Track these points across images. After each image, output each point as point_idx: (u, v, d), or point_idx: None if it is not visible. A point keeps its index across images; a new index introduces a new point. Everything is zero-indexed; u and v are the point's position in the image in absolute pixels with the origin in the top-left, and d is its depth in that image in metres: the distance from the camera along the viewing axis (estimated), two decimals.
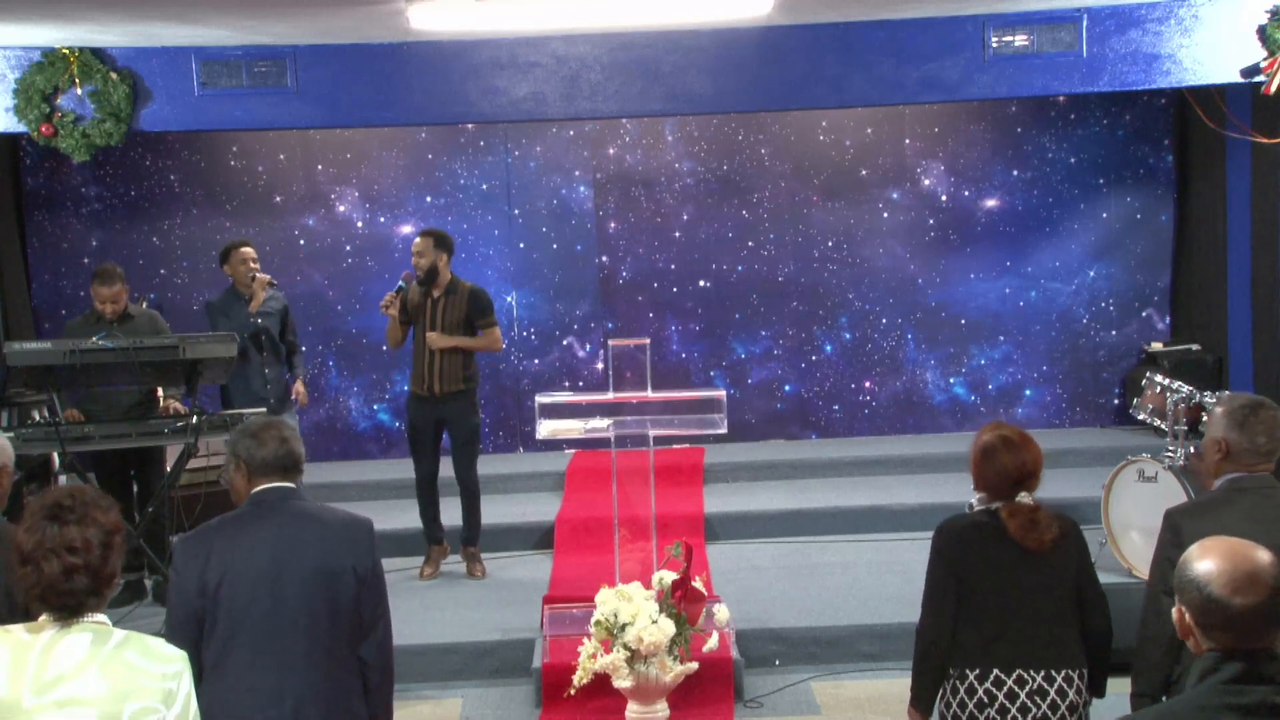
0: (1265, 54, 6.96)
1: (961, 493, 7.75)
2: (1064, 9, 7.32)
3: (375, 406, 9.43)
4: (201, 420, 6.15)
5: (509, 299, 9.33)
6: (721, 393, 5.94)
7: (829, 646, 5.98)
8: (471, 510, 7.01)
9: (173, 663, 2.52)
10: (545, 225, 9.36)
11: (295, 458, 3.39)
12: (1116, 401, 9.39)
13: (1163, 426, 6.93)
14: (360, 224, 9.32)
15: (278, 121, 7.76)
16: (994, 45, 7.43)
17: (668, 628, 5.12)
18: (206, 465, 7.11)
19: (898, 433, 9.44)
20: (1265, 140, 7.78)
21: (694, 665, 5.23)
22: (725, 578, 6.80)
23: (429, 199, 9.33)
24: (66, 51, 7.20)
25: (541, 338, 9.40)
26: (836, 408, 9.50)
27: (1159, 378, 7.08)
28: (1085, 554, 3.64)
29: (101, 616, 2.51)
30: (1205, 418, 6.72)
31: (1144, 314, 9.40)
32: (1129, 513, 6.56)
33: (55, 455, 6.90)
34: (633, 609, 5.15)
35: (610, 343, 6.11)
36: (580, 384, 9.34)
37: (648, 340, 6.09)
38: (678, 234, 9.39)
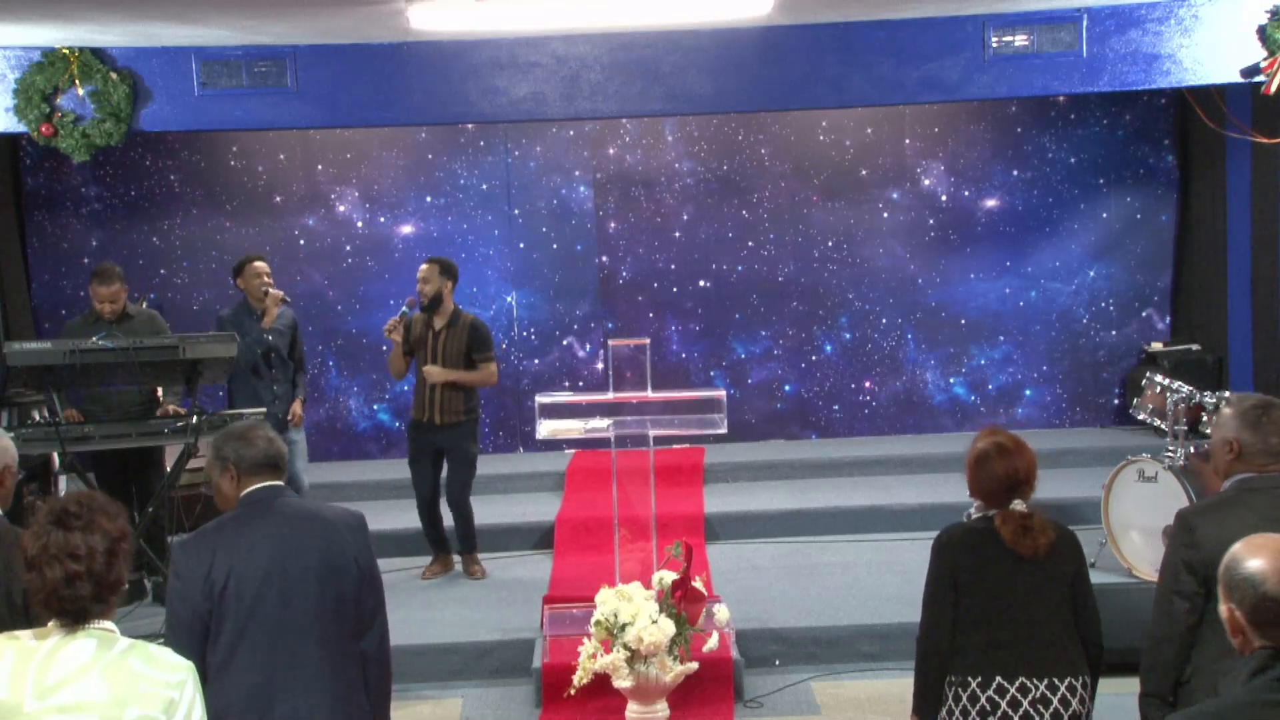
0: (1265, 54, 6.96)
1: (961, 493, 7.68)
2: (1064, 9, 7.31)
3: (375, 406, 9.43)
4: (201, 420, 6.15)
5: (509, 299, 9.33)
6: (721, 393, 5.94)
7: (829, 646, 5.98)
8: (465, 531, 7.05)
9: (177, 672, 2.51)
10: (545, 225, 9.36)
11: (282, 455, 3.41)
12: (1116, 401, 9.39)
13: (1163, 426, 6.93)
14: (360, 224, 9.32)
15: (278, 121, 7.76)
16: (994, 45, 7.43)
17: (668, 628, 5.12)
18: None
19: (898, 433, 9.44)
20: (1265, 140, 7.78)
21: (694, 665, 5.23)
22: (725, 578, 6.80)
23: (429, 199, 9.33)
24: (66, 51, 7.20)
25: (541, 338, 9.40)
26: (836, 408, 9.50)
27: (1159, 378, 7.08)
28: (1082, 563, 3.64)
29: (108, 624, 2.51)
30: (1205, 418, 6.72)
31: (1144, 314, 9.40)
32: (1129, 513, 6.55)
33: (55, 455, 6.90)
34: (633, 609, 5.15)
35: (610, 343, 6.11)
36: (580, 384, 9.34)
37: (648, 340, 6.09)
38: (678, 234, 9.39)
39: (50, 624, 2.48)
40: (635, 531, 6.06)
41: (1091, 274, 9.36)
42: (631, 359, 5.98)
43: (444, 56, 7.48)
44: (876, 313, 9.41)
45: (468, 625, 6.22)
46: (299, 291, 9.01)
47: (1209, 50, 7.36)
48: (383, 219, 9.34)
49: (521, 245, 9.36)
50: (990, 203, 9.38)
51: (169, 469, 6.73)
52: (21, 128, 7.30)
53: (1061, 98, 9.01)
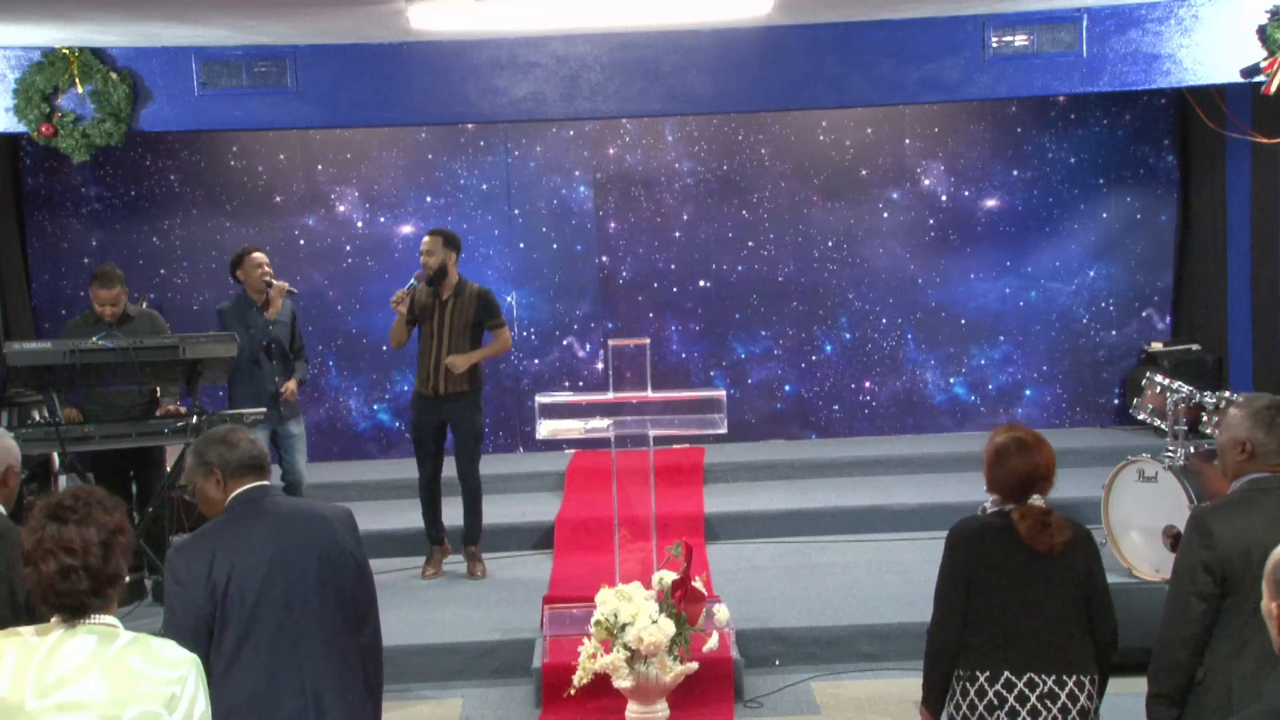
0: (1265, 54, 6.96)
1: (961, 493, 7.80)
2: (1064, 9, 7.32)
3: (375, 406, 9.43)
4: (201, 420, 6.15)
5: (509, 299, 9.32)
6: (721, 393, 5.94)
7: (829, 646, 5.97)
8: (473, 510, 7.01)
9: (178, 667, 2.49)
10: (545, 225, 9.36)
11: (264, 457, 3.42)
12: (1116, 401, 9.39)
13: (1163, 426, 6.93)
14: (360, 224, 9.32)
15: (278, 121, 7.77)
16: (994, 45, 7.43)
17: (668, 628, 5.12)
18: None
19: (898, 433, 9.44)
20: (1265, 140, 7.78)
21: (694, 665, 5.23)
22: (725, 578, 6.79)
23: (429, 199, 9.33)
24: (66, 51, 7.21)
25: (541, 338, 9.40)
26: (836, 408, 9.50)
27: (1159, 378, 7.07)
28: (1097, 562, 3.62)
29: (110, 618, 2.49)
30: (1205, 418, 6.72)
31: (1144, 314, 9.40)
32: (1129, 513, 6.55)
33: (55, 455, 6.90)
34: (633, 609, 5.15)
35: (610, 343, 6.11)
36: (580, 384, 9.34)
37: (648, 340, 6.08)
38: (678, 234, 9.39)
39: (52, 620, 2.47)
40: (635, 531, 6.06)
41: (1091, 274, 9.36)
42: (631, 359, 5.98)
43: (444, 56, 7.48)
44: (876, 313, 9.41)
45: (468, 625, 6.22)
46: (299, 291, 8.99)
47: (1209, 50, 7.36)
48: (383, 219, 9.34)
49: (521, 245, 9.36)
50: (990, 203, 9.38)
51: (169, 469, 6.73)
52: (21, 128, 7.31)
53: (1061, 98, 9.00)
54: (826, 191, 9.37)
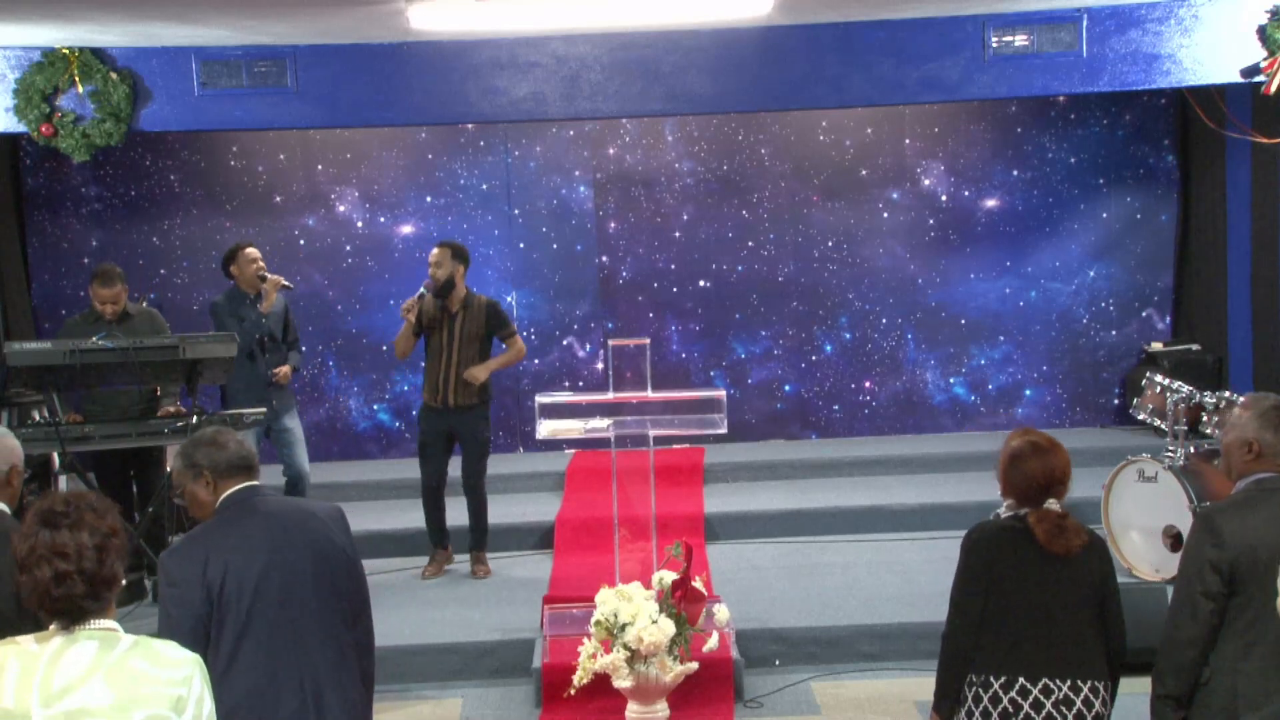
0: (1265, 54, 6.96)
1: (961, 493, 7.81)
2: (1064, 9, 7.32)
3: (375, 406, 9.43)
4: (201, 420, 6.15)
5: (509, 299, 9.32)
6: (721, 393, 5.94)
7: (829, 646, 5.97)
8: (478, 518, 7.05)
9: (182, 667, 2.49)
10: (545, 225, 9.36)
11: (253, 457, 3.42)
12: (1116, 401, 9.39)
13: (1163, 426, 6.93)
14: (360, 224, 9.32)
15: (278, 121, 7.77)
16: (994, 45, 7.43)
17: (668, 628, 5.12)
18: None
19: (898, 433, 9.44)
20: (1265, 140, 7.78)
21: (694, 665, 5.23)
22: (725, 578, 6.79)
23: (429, 199, 9.33)
24: (66, 51, 7.21)
25: (541, 338, 9.40)
26: (836, 408, 9.50)
27: (1159, 378, 7.08)
28: (1110, 568, 3.61)
29: (109, 622, 2.48)
30: (1205, 418, 6.72)
31: (1144, 314, 9.40)
32: (1129, 513, 6.56)
33: (55, 455, 6.90)
34: (633, 609, 5.15)
35: (610, 343, 6.10)
36: (580, 384, 9.34)
37: (648, 340, 6.08)
38: (678, 234, 9.39)
39: (50, 627, 2.46)
40: (635, 531, 6.06)
41: (1091, 274, 9.36)
42: (631, 359, 5.97)
43: (444, 56, 7.48)
44: (876, 313, 9.41)
45: (468, 625, 6.22)
46: (299, 291, 9.00)
47: (1209, 50, 7.36)
48: (383, 219, 9.34)
49: (521, 245, 9.36)
50: (990, 203, 9.38)
51: (169, 469, 6.73)
52: (21, 128, 7.31)
53: (1061, 98, 9.00)
54: (826, 191, 9.37)
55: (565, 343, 9.43)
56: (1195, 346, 8.99)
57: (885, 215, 9.37)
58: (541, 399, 5.97)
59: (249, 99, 7.48)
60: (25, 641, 2.45)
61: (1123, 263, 9.34)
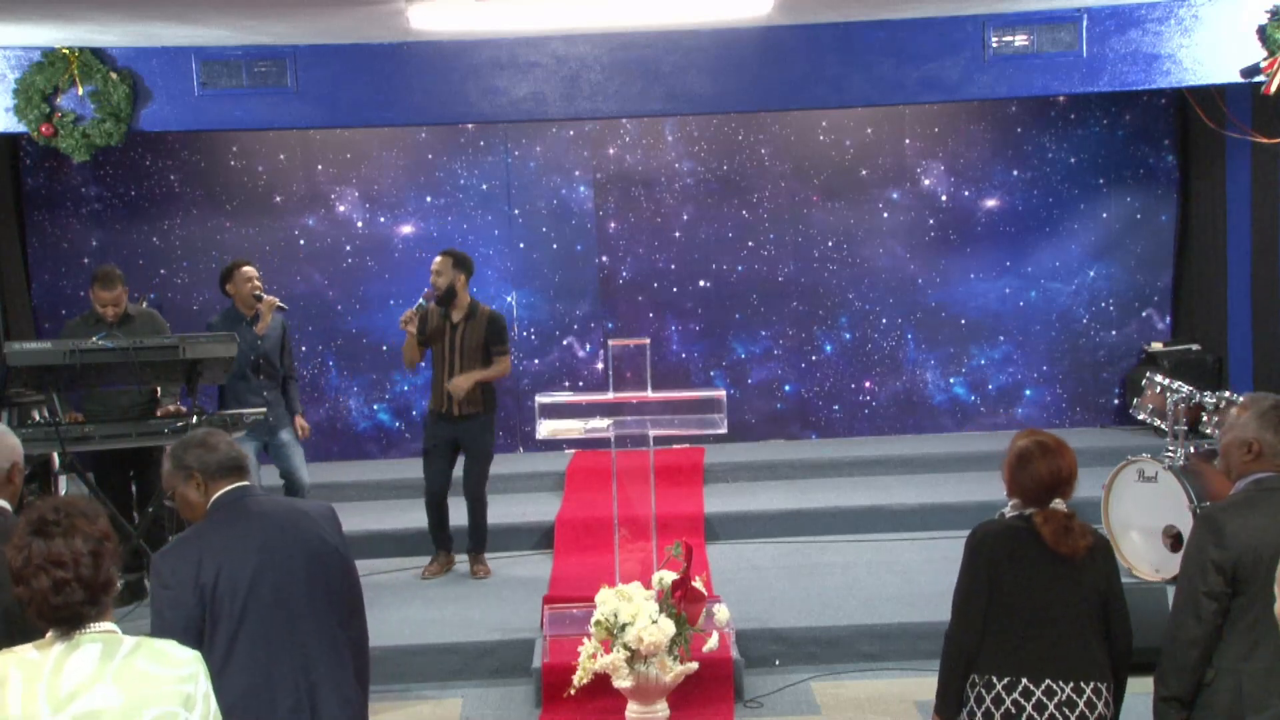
0: (1265, 54, 6.96)
1: (961, 493, 7.81)
2: (1064, 9, 7.32)
3: (375, 406, 9.43)
4: (202, 420, 6.14)
5: (509, 299, 9.33)
6: (721, 393, 5.94)
7: (829, 646, 5.97)
8: (478, 524, 7.05)
9: (186, 665, 2.49)
10: (545, 225, 9.36)
11: (243, 458, 3.41)
12: (1116, 401, 9.39)
13: (1163, 426, 6.93)
14: (360, 224, 9.32)
15: (278, 121, 7.76)
16: (994, 45, 7.43)
17: (668, 628, 5.12)
18: None
19: (898, 433, 9.44)
20: (1265, 140, 7.78)
21: (694, 665, 5.23)
22: (725, 578, 6.79)
23: (429, 199, 9.33)
24: (66, 51, 7.21)
25: (541, 338, 9.40)
26: (836, 408, 9.50)
27: (1159, 378, 7.08)
28: (1115, 570, 3.60)
29: (108, 624, 2.47)
30: (1205, 418, 6.72)
31: (1144, 314, 9.40)
32: (1129, 513, 6.56)
33: (55, 455, 6.90)
34: (633, 609, 5.15)
35: (610, 343, 6.10)
36: (580, 384, 9.34)
37: (648, 340, 6.08)
38: (678, 234, 9.39)
39: (49, 634, 2.45)
40: (635, 531, 6.06)
41: (1091, 274, 9.36)
42: (631, 359, 5.97)
43: (444, 56, 7.48)
44: (876, 313, 9.41)
45: (468, 625, 6.22)
46: (299, 291, 9.02)
47: (1209, 50, 7.36)
48: (383, 219, 9.34)
49: (521, 245, 9.36)
50: (990, 203, 9.38)
51: (166, 477, 6.72)
52: (21, 128, 7.31)
53: (1061, 98, 9.00)
54: (826, 191, 9.37)
55: (565, 343, 9.43)
56: (1195, 346, 8.99)
57: (885, 215, 9.38)
58: (541, 399, 5.97)
59: (249, 99, 7.48)
60: (24, 650, 2.44)
61: (1123, 263, 9.34)
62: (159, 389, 6.94)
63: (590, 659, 5.18)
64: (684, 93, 7.56)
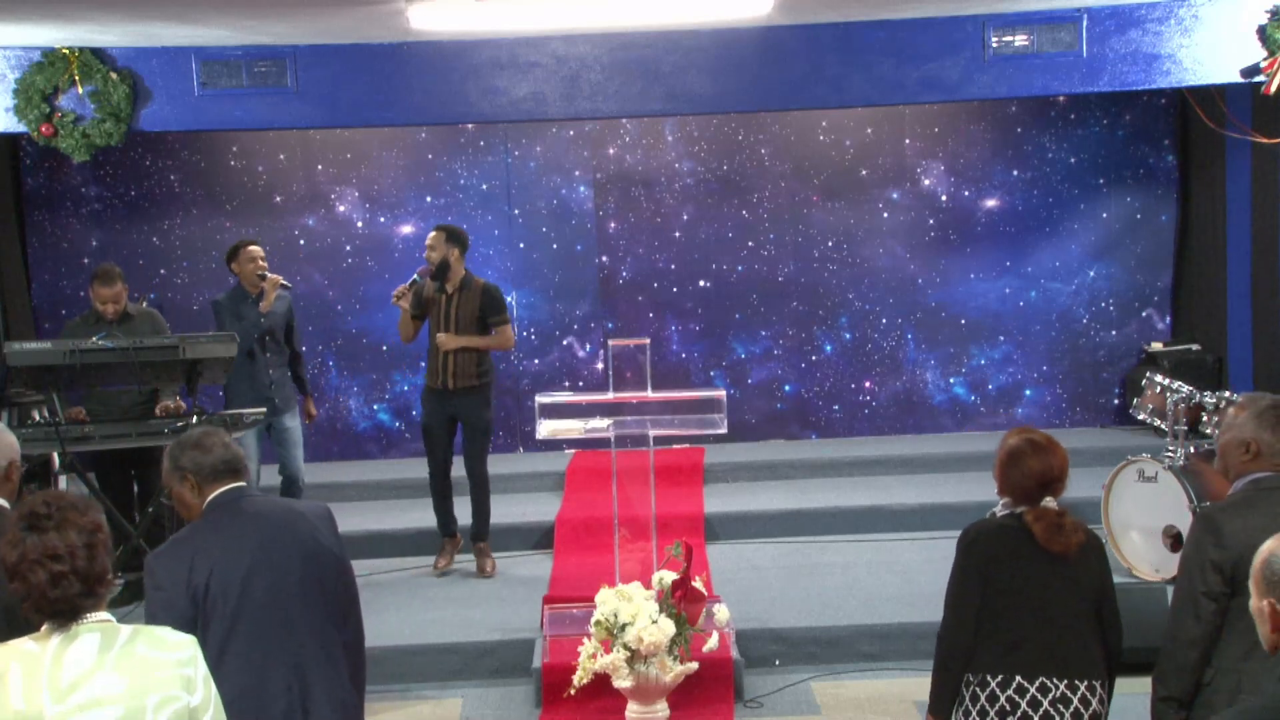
0: (1265, 54, 6.96)
1: (961, 493, 7.80)
2: (1064, 9, 7.32)
3: (375, 406, 9.43)
4: (202, 420, 6.14)
5: (509, 299, 9.31)
6: (721, 393, 5.94)
7: (829, 646, 5.97)
8: (481, 503, 7.03)
9: (184, 649, 2.52)
10: (545, 225, 9.36)
11: (240, 460, 3.39)
12: (1116, 401, 9.39)
13: (1163, 426, 6.93)
14: (360, 224, 9.32)
15: (278, 121, 7.77)
16: (994, 45, 7.43)
17: (668, 628, 5.12)
18: None
19: (898, 433, 9.44)
20: (1265, 140, 7.79)
21: (694, 665, 5.23)
22: (725, 578, 6.79)
23: (429, 199, 9.33)
24: (66, 51, 7.21)
25: (541, 338, 9.40)
26: (836, 408, 9.49)
27: (1159, 378, 7.08)
28: (1107, 567, 3.60)
29: (104, 614, 2.49)
30: (1205, 418, 6.72)
31: (1144, 314, 9.40)
32: (1129, 513, 6.56)
33: (55, 455, 6.90)
34: (633, 609, 5.15)
35: (610, 343, 6.10)
36: (580, 384, 9.34)
37: (648, 340, 6.08)
38: (678, 234, 9.39)
39: (44, 627, 2.46)
40: (635, 531, 6.06)
41: (1091, 274, 9.36)
42: (631, 359, 5.97)
43: (444, 56, 7.48)
44: (876, 313, 9.41)
45: (468, 625, 6.22)
46: (299, 291, 8.98)
47: (1209, 50, 7.36)
48: (383, 219, 9.34)
49: (521, 245, 9.36)
50: (990, 203, 9.38)
51: (165, 475, 6.72)
52: (21, 128, 7.31)
53: (1061, 98, 9.00)
54: (826, 191, 9.37)
55: (565, 343, 9.43)
56: (1195, 346, 8.99)
57: (885, 215, 9.37)
58: (541, 399, 5.97)
59: (249, 99, 7.48)
60: (21, 643, 2.45)
61: (1123, 263, 9.34)
62: (160, 389, 6.94)
63: (590, 659, 5.18)
64: (684, 93, 7.56)
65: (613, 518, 6.09)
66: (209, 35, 7.11)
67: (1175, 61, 7.41)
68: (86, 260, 9.03)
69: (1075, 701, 3.45)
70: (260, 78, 7.42)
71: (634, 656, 5.11)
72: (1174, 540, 6.27)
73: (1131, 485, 6.54)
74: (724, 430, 5.87)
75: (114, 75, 7.25)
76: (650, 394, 5.86)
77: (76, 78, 7.22)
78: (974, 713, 3.51)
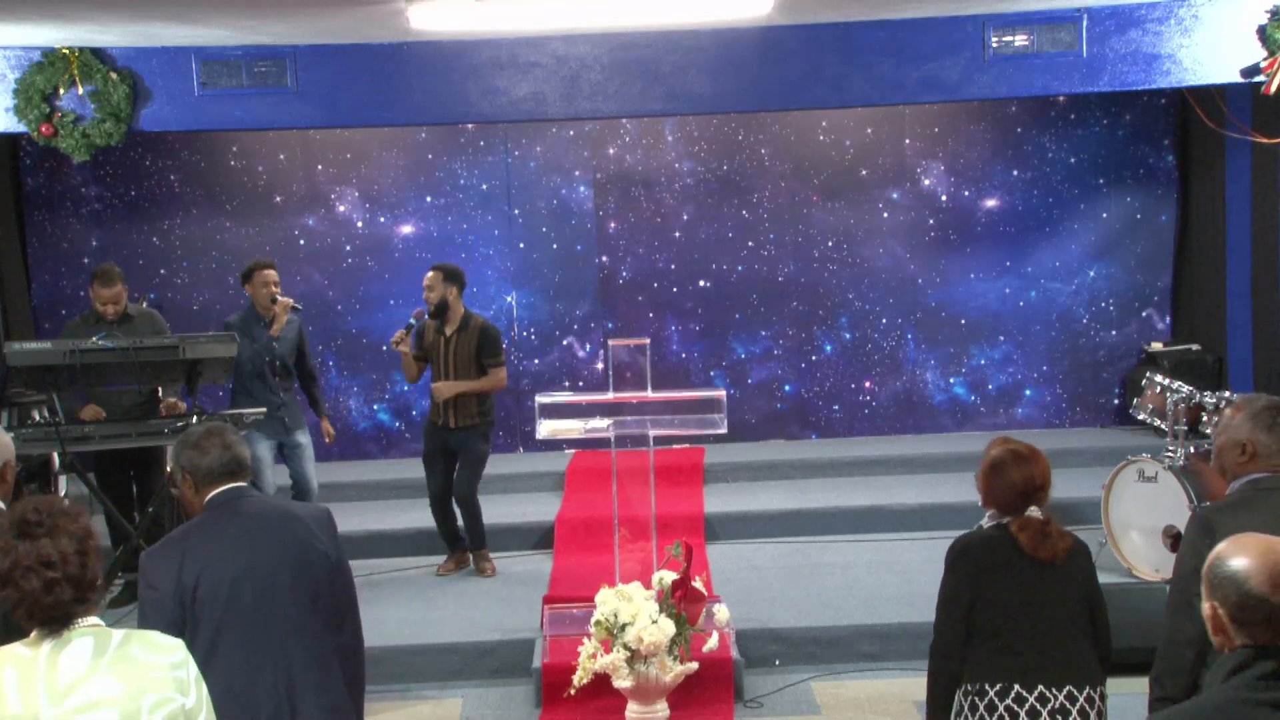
0: (1265, 54, 6.96)
1: (961, 493, 7.79)
2: (1064, 9, 7.32)
3: (375, 406, 9.43)
4: (203, 420, 6.14)
5: (509, 299, 9.33)
6: (721, 393, 5.94)
7: (829, 646, 5.97)
8: (473, 525, 7.07)
9: (176, 651, 2.53)
10: (545, 225, 9.36)
11: (240, 461, 3.36)
12: (1116, 401, 9.39)
13: (1163, 426, 6.93)
14: (360, 224, 9.32)
15: (278, 121, 7.76)
16: (994, 45, 7.43)
17: (668, 628, 5.12)
18: None
19: (898, 433, 9.44)
20: (1265, 140, 7.79)
21: (694, 665, 5.23)
22: (725, 578, 6.80)
23: (429, 199, 9.34)
24: (66, 51, 7.21)
25: (541, 338, 9.40)
26: (836, 408, 9.50)
27: (1159, 378, 7.08)
28: (1093, 571, 3.62)
29: (94, 619, 2.49)
30: (1205, 418, 6.72)
31: (1144, 314, 9.40)
32: (1129, 513, 6.56)
33: (55, 455, 6.90)
34: (633, 609, 5.15)
35: (610, 343, 6.10)
36: (580, 384, 9.34)
37: (648, 340, 6.08)
38: (678, 234, 9.39)
39: (34, 633, 2.45)
40: (635, 531, 6.06)
41: (1091, 274, 9.36)
42: (631, 359, 5.97)
43: (444, 56, 7.48)
44: (876, 313, 9.41)
45: (468, 625, 6.22)
46: (299, 291, 9.00)
47: (1209, 50, 7.36)
48: (383, 219, 9.34)
49: (521, 245, 9.36)
50: (990, 203, 9.38)
51: (169, 468, 6.73)
52: (21, 128, 7.30)
53: (1061, 98, 9.00)
54: (826, 191, 9.37)
55: (565, 343, 9.43)
56: (1195, 346, 8.99)
57: (885, 215, 9.38)
58: (541, 399, 5.97)
59: (249, 99, 7.48)
60: (14, 648, 2.44)
61: (1123, 263, 9.35)
62: (160, 389, 6.94)
63: (590, 659, 5.18)
64: (684, 93, 7.56)
65: (613, 518, 6.09)
66: (209, 35, 7.11)
67: (1175, 61, 7.41)
68: (86, 260, 9.03)
69: (1074, 712, 3.45)
70: (260, 78, 7.42)
71: (634, 656, 5.11)
72: (1174, 540, 6.27)
73: (1131, 485, 6.54)
74: (724, 430, 5.87)
75: (114, 75, 7.25)
76: (650, 394, 5.86)
77: (76, 78, 7.22)
78: None
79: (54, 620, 2.44)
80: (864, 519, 7.72)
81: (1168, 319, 9.40)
